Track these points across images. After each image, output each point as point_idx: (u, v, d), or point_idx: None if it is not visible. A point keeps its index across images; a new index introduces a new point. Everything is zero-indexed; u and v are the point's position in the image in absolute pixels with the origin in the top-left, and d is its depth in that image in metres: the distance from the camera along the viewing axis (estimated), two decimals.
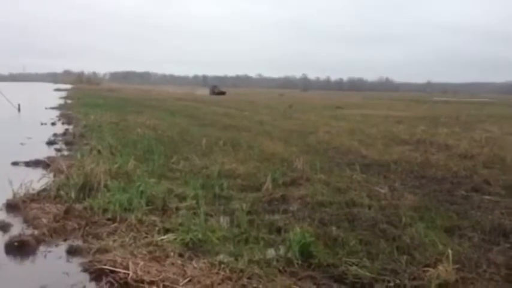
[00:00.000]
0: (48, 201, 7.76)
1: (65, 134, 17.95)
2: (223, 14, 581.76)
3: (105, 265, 5.26)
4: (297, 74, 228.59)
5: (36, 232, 6.42)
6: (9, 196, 7.95)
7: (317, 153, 13.57)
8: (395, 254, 5.63)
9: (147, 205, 7.43)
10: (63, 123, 22.59)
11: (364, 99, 73.26)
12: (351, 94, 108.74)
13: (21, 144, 15.10)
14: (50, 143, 15.49)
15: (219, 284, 4.88)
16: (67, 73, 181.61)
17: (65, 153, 13.31)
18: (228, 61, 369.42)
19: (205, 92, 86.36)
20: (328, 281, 5.08)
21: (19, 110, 28.92)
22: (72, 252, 5.87)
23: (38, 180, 8.84)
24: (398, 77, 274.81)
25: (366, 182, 9.69)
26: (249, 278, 4.99)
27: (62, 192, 8.06)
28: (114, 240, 6.03)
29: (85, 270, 5.35)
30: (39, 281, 5.17)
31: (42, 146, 14.73)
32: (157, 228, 6.46)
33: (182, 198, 8.01)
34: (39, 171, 10.47)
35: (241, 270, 5.13)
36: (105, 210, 7.16)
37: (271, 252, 5.78)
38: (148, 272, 5.05)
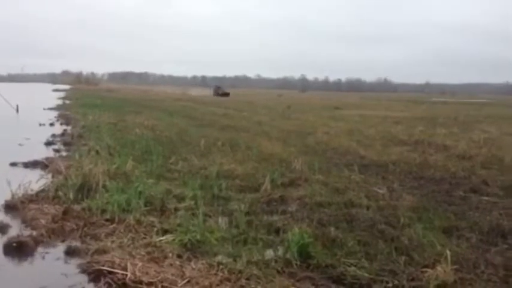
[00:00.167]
0: (47, 202, 7.75)
1: (63, 134, 17.94)
2: (222, 14, 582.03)
3: (103, 266, 5.26)
4: (296, 74, 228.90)
5: (34, 233, 6.42)
6: (8, 197, 7.94)
7: (315, 154, 13.58)
8: (394, 255, 5.63)
9: (146, 206, 7.42)
10: (61, 124, 22.58)
11: (363, 99, 73.33)
12: (350, 95, 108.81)
13: (20, 145, 15.08)
14: (49, 143, 15.49)
15: (218, 285, 4.88)
16: (66, 73, 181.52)
17: (63, 153, 13.30)
18: (226, 61, 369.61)
19: (202, 91, 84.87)
20: (327, 281, 5.08)
21: (17, 110, 28.88)
22: (70, 253, 5.86)
23: (36, 181, 8.82)
24: (397, 78, 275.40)
25: (364, 182, 9.69)
26: (247, 279, 4.99)
27: (60, 193, 8.05)
28: (113, 241, 6.03)
29: (83, 271, 5.35)
30: (37, 282, 5.16)
31: (41, 147, 14.73)
32: (155, 229, 6.45)
33: (181, 198, 8.00)
34: (37, 172, 10.46)
35: (240, 271, 5.13)
36: (103, 211, 7.16)
37: (269, 253, 5.78)
38: (147, 273, 5.04)
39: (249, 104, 45.74)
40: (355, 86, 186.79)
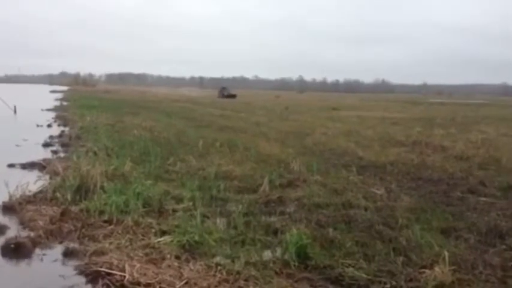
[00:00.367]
0: (45, 203, 7.74)
1: (61, 135, 17.92)
2: (221, 15, 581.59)
3: (101, 267, 5.25)
4: (294, 75, 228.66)
5: (32, 234, 6.40)
6: (5, 198, 7.93)
7: (313, 155, 13.59)
8: (392, 256, 5.64)
9: (144, 207, 7.41)
10: (59, 125, 22.57)
11: (361, 100, 73.41)
12: (347, 96, 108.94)
13: (17, 146, 15.06)
14: (46, 144, 15.46)
15: (216, 286, 4.88)
16: (63, 75, 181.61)
17: (61, 155, 13.28)
18: (224, 62, 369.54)
19: (202, 93, 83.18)
20: (325, 282, 5.08)
21: (15, 111, 28.84)
22: (68, 254, 5.85)
23: (34, 182, 8.82)
24: (395, 79, 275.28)
25: (362, 183, 9.70)
26: (245, 280, 4.99)
27: (58, 194, 8.04)
28: (111, 243, 6.02)
29: (81, 272, 5.33)
30: (35, 284, 5.16)
31: (38, 148, 14.71)
32: (153, 230, 6.45)
33: (179, 200, 8.00)
34: (35, 173, 10.44)
35: (238, 272, 5.13)
36: (101, 212, 7.15)
37: (267, 254, 5.79)
38: (145, 274, 5.04)
39: (247, 105, 45.75)
40: (353, 87, 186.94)
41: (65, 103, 43.06)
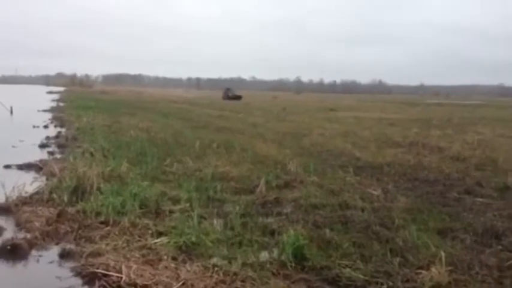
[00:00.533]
0: (41, 205, 7.71)
1: (57, 136, 17.88)
2: (218, 16, 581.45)
3: (98, 269, 5.24)
4: (291, 76, 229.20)
5: (28, 235, 6.38)
6: (2, 199, 7.89)
7: (310, 156, 13.60)
8: (389, 256, 5.65)
9: (141, 208, 7.40)
10: (55, 126, 22.52)
11: (358, 101, 73.51)
12: (344, 96, 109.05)
13: (14, 147, 15.01)
14: (43, 145, 15.43)
15: (213, 287, 4.88)
16: (60, 75, 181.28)
17: (58, 156, 13.25)
18: (221, 63, 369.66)
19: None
20: (322, 283, 5.09)
21: (11, 112, 28.77)
22: (64, 255, 5.83)
23: (30, 183, 8.81)
24: (392, 80, 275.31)
25: (359, 184, 9.71)
26: (242, 281, 4.99)
27: (54, 196, 8.01)
28: (107, 244, 6.01)
29: (78, 274, 5.32)
30: (31, 285, 5.15)
31: (35, 149, 14.67)
32: (150, 232, 6.44)
33: (176, 201, 7.99)
34: (31, 174, 10.42)
35: (235, 273, 5.12)
36: (98, 214, 7.13)
37: (264, 255, 5.79)
38: (142, 276, 5.03)
39: (244, 106, 45.77)
40: (350, 88, 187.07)
41: (61, 104, 42.97)
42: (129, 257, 5.53)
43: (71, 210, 7.34)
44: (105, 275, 5.10)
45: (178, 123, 23.68)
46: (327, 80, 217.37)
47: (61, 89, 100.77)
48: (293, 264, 5.40)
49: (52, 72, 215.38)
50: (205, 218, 7.11)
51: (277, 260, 5.55)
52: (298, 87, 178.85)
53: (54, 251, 6.01)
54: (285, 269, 5.32)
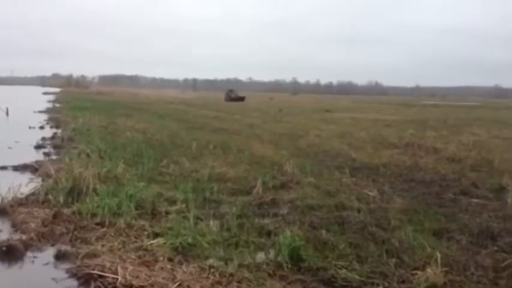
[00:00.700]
0: (37, 206, 7.69)
1: (53, 137, 17.83)
2: (216, 17, 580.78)
3: (93, 270, 5.23)
4: (287, 77, 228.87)
5: (24, 237, 6.36)
6: None
7: (307, 157, 13.61)
8: (384, 257, 5.66)
9: (137, 209, 7.39)
10: (51, 127, 22.47)
11: (354, 102, 73.62)
12: (341, 97, 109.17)
13: (9, 148, 14.96)
14: (39, 146, 15.38)
15: None
16: (56, 76, 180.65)
17: (54, 157, 13.21)
18: (218, 64, 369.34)
19: (197, 95, 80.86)
20: (318, 284, 5.09)
21: (7, 113, 28.67)
22: (60, 257, 5.82)
23: (26, 184, 8.77)
24: (388, 81, 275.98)
25: (356, 185, 9.73)
26: (238, 282, 4.99)
27: (50, 197, 7.99)
28: (103, 245, 5.99)
29: (73, 275, 5.31)
30: (26, 287, 5.13)
31: (31, 150, 14.61)
32: (146, 233, 6.43)
33: (172, 202, 7.98)
34: (27, 176, 10.38)
35: (231, 275, 5.13)
36: (93, 215, 7.12)
37: (261, 256, 5.79)
38: (138, 277, 5.02)
39: (241, 107, 45.75)
40: (346, 89, 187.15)
41: (57, 105, 42.83)
42: (125, 258, 5.52)
43: (66, 211, 7.32)
44: (100, 276, 5.09)
45: (174, 124, 23.66)
46: (324, 81, 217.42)
47: (57, 90, 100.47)
48: (289, 265, 5.41)
49: (47, 73, 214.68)
50: (201, 219, 7.11)
51: (274, 261, 5.55)
52: (295, 88, 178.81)
53: (49, 252, 6.00)
54: (281, 270, 5.33)
